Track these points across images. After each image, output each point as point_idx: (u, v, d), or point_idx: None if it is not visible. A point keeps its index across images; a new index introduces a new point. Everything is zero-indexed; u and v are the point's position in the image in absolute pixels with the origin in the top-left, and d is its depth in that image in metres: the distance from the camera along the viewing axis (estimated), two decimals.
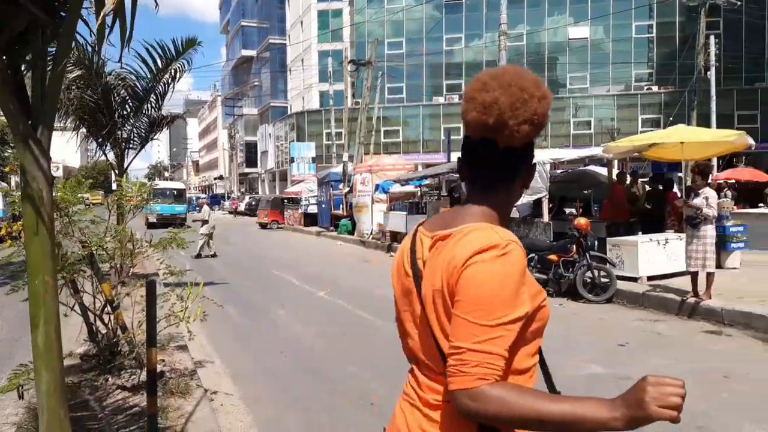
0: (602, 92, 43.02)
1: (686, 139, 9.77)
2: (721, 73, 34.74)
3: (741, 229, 10.62)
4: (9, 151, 25.47)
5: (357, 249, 19.15)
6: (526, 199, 11.79)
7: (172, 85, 10.91)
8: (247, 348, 6.87)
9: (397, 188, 20.32)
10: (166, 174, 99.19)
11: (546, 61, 44.05)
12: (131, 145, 11.39)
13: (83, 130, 10.91)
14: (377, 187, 20.81)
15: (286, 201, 33.02)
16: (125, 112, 10.93)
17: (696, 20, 28.77)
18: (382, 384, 5.30)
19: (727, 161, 28.08)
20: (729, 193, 13.35)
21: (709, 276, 7.74)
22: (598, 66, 43.04)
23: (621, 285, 8.86)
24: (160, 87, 10.88)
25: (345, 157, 26.96)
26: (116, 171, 11.01)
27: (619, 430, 1.07)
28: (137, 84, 10.65)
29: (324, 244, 21.77)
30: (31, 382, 3.66)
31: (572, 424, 1.08)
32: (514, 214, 12.78)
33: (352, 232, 21.91)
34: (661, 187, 12.28)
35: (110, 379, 4.83)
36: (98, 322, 5.24)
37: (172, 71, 10.57)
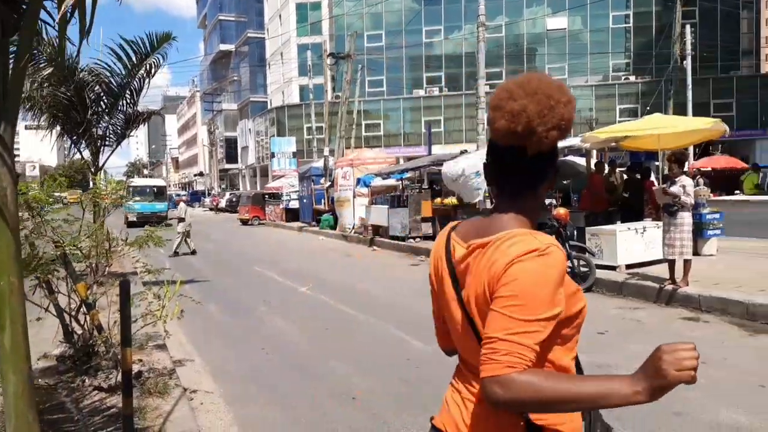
0: (581, 83, 43.31)
1: (662, 127, 9.88)
2: (697, 62, 35.04)
3: (717, 216, 10.76)
4: None
5: (339, 244, 19.11)
6: None
7: (147, 80, 10.80)
8: (228, 345, 6.80)
9: (378, 182, 20.27)
10: (145, 171, 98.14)
11: (525, 52, 44.24)
12: (107, 143, 11.24)
13: (58, 128, 10.73)
14: (358, 181, 20.76)
15: (267, 196, 32.83)
16: (100, 109, 10.78)
17: (672, 9, 29.06)
18: (365, 378, 5.29)
19: (703, 149, 28.49)
20: (701, 180, 13.58)
21: (687, 263, 7.83)
22: (577, 56, 43.34)
23: (600, 274, 8.94)
24: (135, 83, 10.75)
25: (326, 152, 26.85)
26: (92, 169, 10.86)
27: (643, 402, 1.12)
28: (112, 80, 10.50)
29: (306, 239, 21.69)
30: None
31: (598, 402, 1.15)
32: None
33: (334, 227, 21.85)
34: (638, 176, 12.40)
35: (87, 381, 4.76)
36: (74, 323, 5.16)
37: (147, 66, 10.44)
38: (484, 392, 1.18)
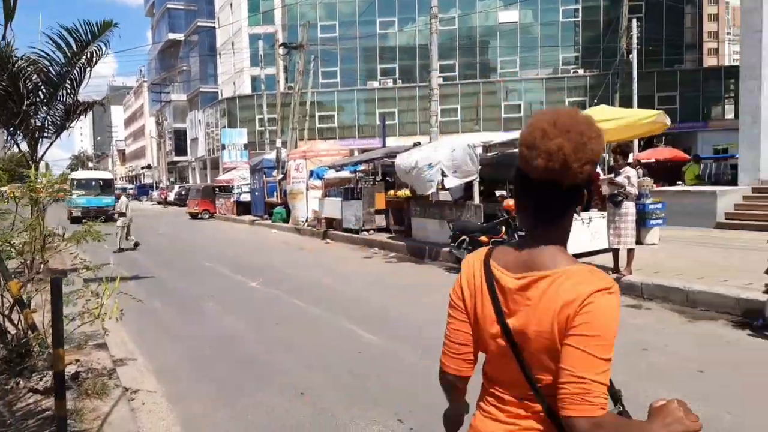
0: (531, 75, 43.99)
1: (606, 120, 10.08)
2: (643, 55, 36.15)
3: (660, 206, 11.11)
4: None
5: (292, 237, 18.92)
6: (457, 182, 11.90)
7: (89, 69, 10.38)
8: (172, 343, 6.61)
9: (332, 174, 20.14)
10: (90, 164, 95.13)
11: (478, 45, 44.63)
12: (45, 134, 10.76)
13: None
14: (312, 173, 20.58)
15: (217, 189, 32.22)
16: (38, 99, 10.32)
17: (619, 4, 29.77)
18: (315, 373, 5.23)
19: (648, 141, 29.37)
20: (641, 171, 14.08)
21: (630, 252, 8.04)
22: (528, 50, 43.98)
23: None
24: (75, 72, 10.32)
25: (278, 143, 26.52)
26: (29, 161, 10.40)
27: None
28: (51, 69, 10.05)
29: (258, 232, 21.40)
30: None
31: None
32: (446, 197, 12.89)
33: (286, 220, 21.62)
34: None
35: (21, 382, 4.55)
36: (7, 323, 4.91)
37: (88, 55, 10.04)
38: (576, 428, 1.26)
